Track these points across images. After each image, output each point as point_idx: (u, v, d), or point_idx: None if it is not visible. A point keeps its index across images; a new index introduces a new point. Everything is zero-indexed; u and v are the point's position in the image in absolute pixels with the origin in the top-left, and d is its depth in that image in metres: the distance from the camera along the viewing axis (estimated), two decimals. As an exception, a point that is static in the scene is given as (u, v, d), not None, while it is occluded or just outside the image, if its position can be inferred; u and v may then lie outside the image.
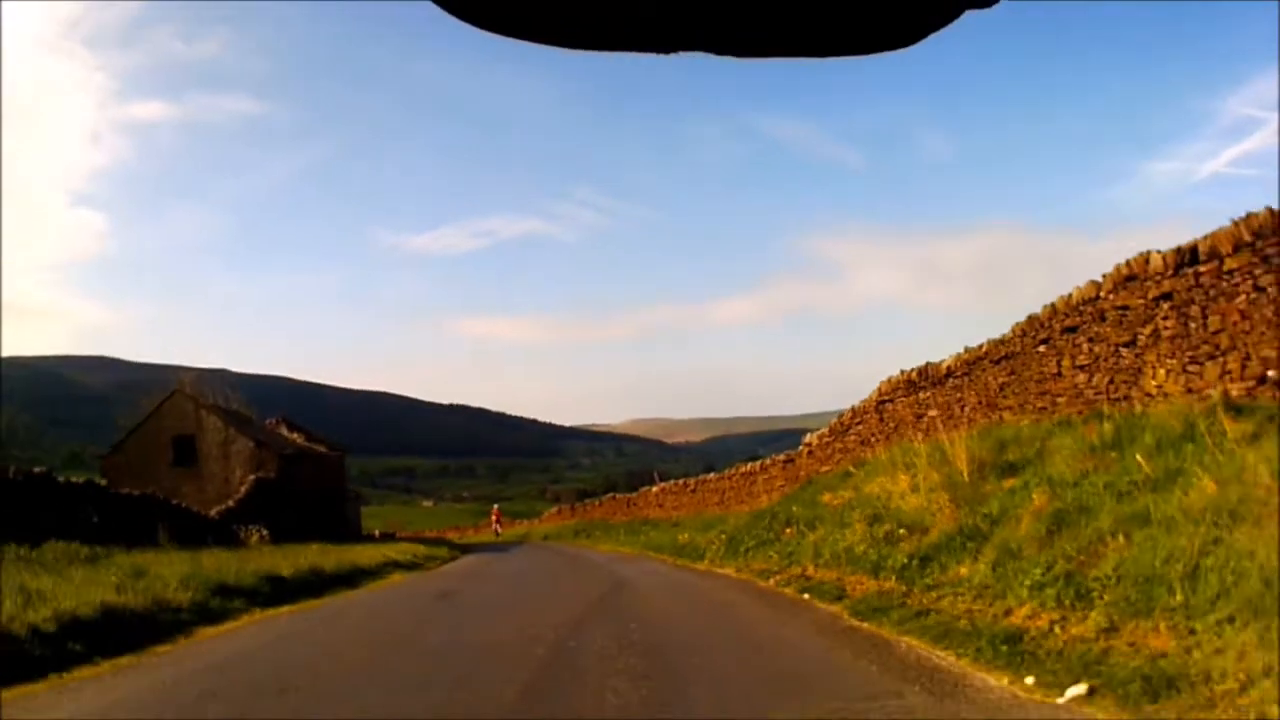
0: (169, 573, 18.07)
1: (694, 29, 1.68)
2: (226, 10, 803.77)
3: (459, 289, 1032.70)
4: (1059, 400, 16.64)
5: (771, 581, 17.42)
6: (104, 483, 29.38)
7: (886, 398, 24.52)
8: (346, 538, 48.55)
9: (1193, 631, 7.16)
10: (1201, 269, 13.16)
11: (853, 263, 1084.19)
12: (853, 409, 27.04)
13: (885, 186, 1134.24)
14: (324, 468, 60.77)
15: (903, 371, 23.81)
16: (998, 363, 19.19)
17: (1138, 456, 10.73)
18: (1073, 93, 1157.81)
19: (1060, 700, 7.05)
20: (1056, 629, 8.52)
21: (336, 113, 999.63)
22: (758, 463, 37.19)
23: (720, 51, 1.72)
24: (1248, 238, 12.39)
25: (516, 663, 10.45)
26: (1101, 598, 8.46)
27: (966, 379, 20.53)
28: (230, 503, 41.49)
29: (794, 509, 22.05)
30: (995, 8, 1.66)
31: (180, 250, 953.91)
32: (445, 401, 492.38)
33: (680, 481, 51.28)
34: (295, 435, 64.79)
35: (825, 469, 26.73)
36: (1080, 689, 7.02)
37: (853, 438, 26.39)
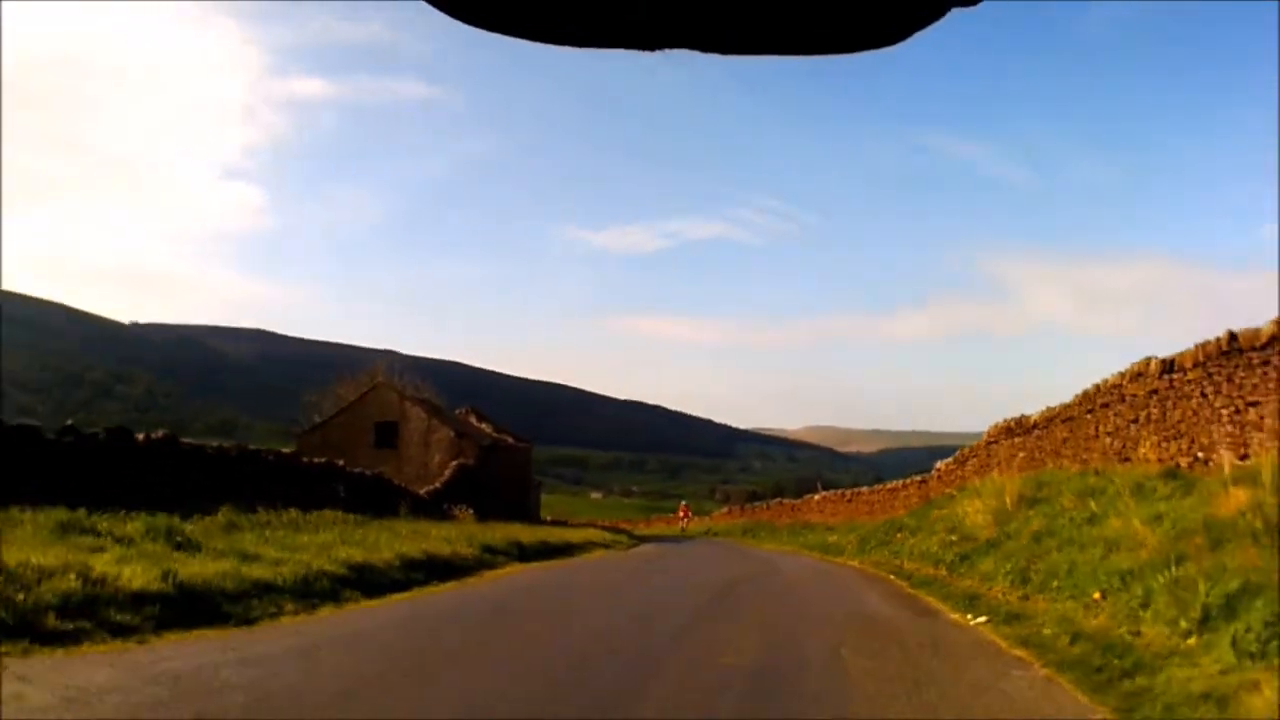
0: (438, 534, 26.29)
1: (680, 27, 1.74)
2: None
3: (641, 287, 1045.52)
4: (1093, 456, 23.27)
5: (875, 568, 24.86)
6: (341, 463, 35.09)
7: (993, 439, 31.29)
8: (531, 521, 55.05)
9: (1057, 600, 14.12)
10: (1174, 376, 19.77)
11: (1021, 283, 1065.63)
12: (972, 446, 33.91)
13: (1050, 209, 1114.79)
14: (513, 457, 68.57)
15: (1005, 420, 30.55)
16: (1065, 422, 25.82)
17: (1090, 501, 17.57)
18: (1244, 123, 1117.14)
19: (974, 621, 14.12)
20: (1000, 596, 15.60)
21: (512, 103, 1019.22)
22: (900, 481, 44.28)
23: (706, 49, 1.79)
24: (1201, 358, 18.97)
25: (699, 594, 18.39)
26: (1030, 581, 15.47)
27: (1045, 430, 27.19)
28: (437, 484, 48.45)
29: (910, 521, 29.45)
30: (980, 6, 1.71)
31: (341, 230, 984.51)
32: (621, 397, 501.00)
33: (839, 492, 58.79)
34: (484, 425, 72.96)
35: (946, 491, 33.41)
36: (984, 618, 14.09)
37: (969, 468, 33.11)
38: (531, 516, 61.99)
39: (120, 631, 11.24)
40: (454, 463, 54.20)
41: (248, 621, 13.12)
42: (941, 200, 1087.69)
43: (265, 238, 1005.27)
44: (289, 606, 14.54)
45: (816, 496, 61.80)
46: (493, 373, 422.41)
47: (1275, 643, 8.21)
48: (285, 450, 33.79)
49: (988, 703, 8.92)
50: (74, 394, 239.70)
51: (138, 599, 12.16)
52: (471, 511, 39.89)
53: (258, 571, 15.58)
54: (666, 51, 1.78)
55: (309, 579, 16.19)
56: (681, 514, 73.03)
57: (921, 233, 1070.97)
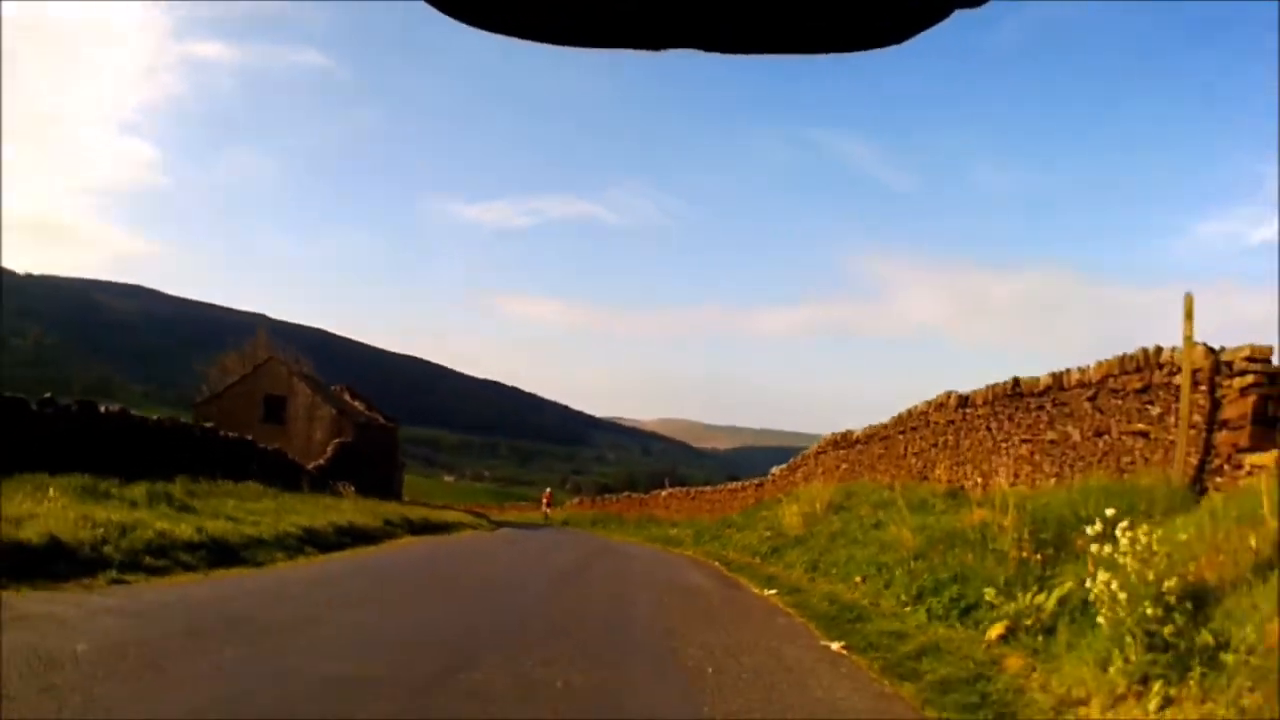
0: (346, 508, 29.99)
1: (682, 26, 1.76)
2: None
3: (504, 264, 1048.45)
4: (900, 473, 27.22)
5: (705, 557, 28.71)
6: (250, 438, 38.33)
7: (822, 450, 35.37)
8: (399, 501, 57.33)
9: (831, 582, 17.90)
10: (968, 410, 23.83)
11: (897, 286, 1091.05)
12: (803, 455, 37.97)
13: (937, 214, 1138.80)
14: (383, 437, 71.77)
15: (833, 434, 34.64)
16: (882, 440, 29.84)
17: (879, 511, 21.42)
18: (1134, 143, 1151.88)
19: (767, 593, 17.89)
20: (792, 578, 19.43)
21: (398, 78, 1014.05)
22: (740, 484, 48.93)
23: (709, 49, 1.81)
24: (990, 397, 23.03)
25: (565, 563, 22.51)
26: (818, 568, 19.30)
27: (865, 446, 31.22)
28: (322, 461, 51.48)
29: (740, 519, 33.48)
30: (985, 7, 1.75)
31: (229, 193, 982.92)
32: (479, 375, 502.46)
33: (684, 490, 63.33)
34: (357, 403, 75.39)
35: (777, 494, 37.35)
36: (774, 591, 17.86)
37: (799, 474, 37.14)
38: (397, 496, 64.62)
39: (189, 568, 16.09)
40: (335, 441, 57.34)
41: (258, 564, 18.32)
42: (824, 199, 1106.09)
43: (156, 195, 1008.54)
44: (279, 555, 19.67)
45: (664, 493, 66.30)
46: (356, 342, 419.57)
47: (955, 611, 12.05)
48: (206, 425, 36.28)
49: (754, 629, 13.37)
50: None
51: (189, 546, 17.03)
52: (353, 488, 42.72)
53: (247, 530, 20.32)
54: (670, 51, 1.81)
55: (281, 537, 20.94)
56: (545, 501, 75.91)
57: (801, 230, 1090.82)
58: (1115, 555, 8.48)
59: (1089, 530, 9.13)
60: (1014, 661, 9.64)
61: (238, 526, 20.13)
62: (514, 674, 9.18)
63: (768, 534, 26.11)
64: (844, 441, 33.42)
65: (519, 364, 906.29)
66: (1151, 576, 8.11)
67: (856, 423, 34.61)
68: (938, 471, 24.53)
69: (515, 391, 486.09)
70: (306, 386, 65.12)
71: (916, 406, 27.30)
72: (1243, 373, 14.48)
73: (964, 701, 8.66)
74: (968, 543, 14.73)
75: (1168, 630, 7.73)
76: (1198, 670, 7.41)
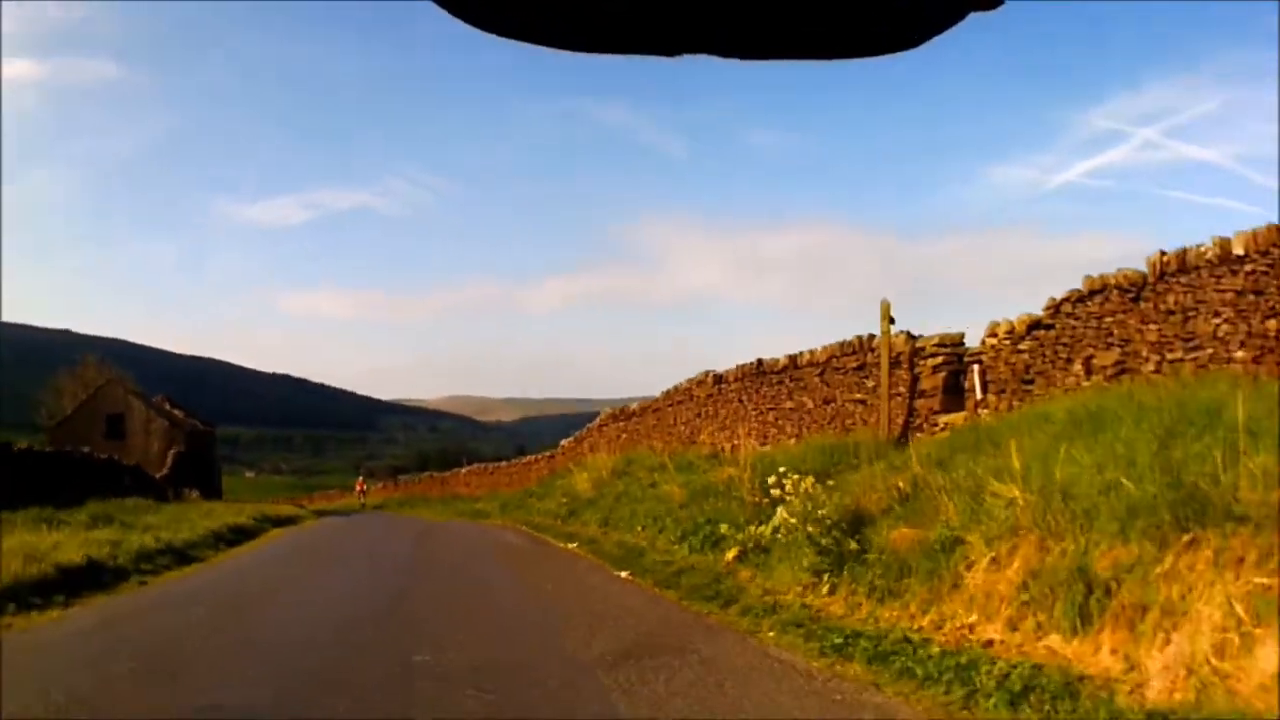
0: (222, 511, 33.45)
1: (697, 32, 1.78)
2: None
3: (287, 259, 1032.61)
4: (672, 440, 31.71)
5: (513, 523, 32.75)
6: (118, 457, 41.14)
7: (604, 423, 39.76)
8: (225, 500, 59.16)
9: (620, 533, 22.19)
10: (723, 386, 28.43)
11: (673, 252, 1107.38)
12: (587, 428, 42.35)
13: (709, 179, 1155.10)
14: (206, 441, 74.80)
15: (613, 408, 39.12)
16: (655, 412, 34.34)
17: (655, 474, 25.78)
18: (920, 96, 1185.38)
19: (570, 546, 22.15)
20: (588, 533, 23.68)
21: (186, 81, 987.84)
22: (534, 457, 53.04)
23: (726, 55, 1.82)
24: (740, 375, 27.63)
25: (406, 538, 26.52)
26: (608, 524, 23.59)
27: (641, 418, 35.69)
28: (166, 469, 54.86)
29: (539, 489, 37.75)
30: (999, 10, 1.76)
31: (32, 210, 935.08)
32: (267, 370, 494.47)
33: (483, 466, 67.13)
34: (178, 411, 78.16)
35: (568, 465, 41.50)
36: (575, 544, 22.15)
37: (585, 445, 41.40)
38: (219, 495, 66.50)
39: (168, 568, 19.89)
40: (173, 451, 60.57)
41: (200, 559, 22.20)
42: (596, 169, 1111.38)
43: None
44: (210, 553, 23.65)
45: (464, 470, 69.91)
46: (155, 349, 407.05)
47: (708, 544, 16.37)
48: (71, 449, 38.28)
49: (565, 567, 18.18)
50: None
51: (159, 552, 20.84)
52: (198, 493, 45.16)
53: (184, 534, 24.31)
54: (687, 57, 1.82)
55: (207, 539, 25.20)
56: (359, 488, 77.82)
57: (575, 202, 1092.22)
58: (787, 496, 12.98)
59: (776, 481, 13.56)
60: (743, 573, 14.01)
61: (166, 535, 23.46)
62: (428, 594, 14.08)
63: (564, 500, 30.21)
64: (622, 415, 37.88)
65: (306, 357, 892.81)
66: (812, 508, 12.55)
67: (639, 388, 39.19)
68: (702, 437, 29.05)
69: (304, 383, 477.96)
70: (141, 403, 70.00)
71: (681, 384, 31.90)
72: (933, 355, 19.46)
73: (706, 595, 13.10)
74: (719, 494, 19.12)
75: (825, 541, 12.16)
76: (850, 566, 11.83)
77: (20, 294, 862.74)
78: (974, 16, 1.79)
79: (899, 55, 1.87)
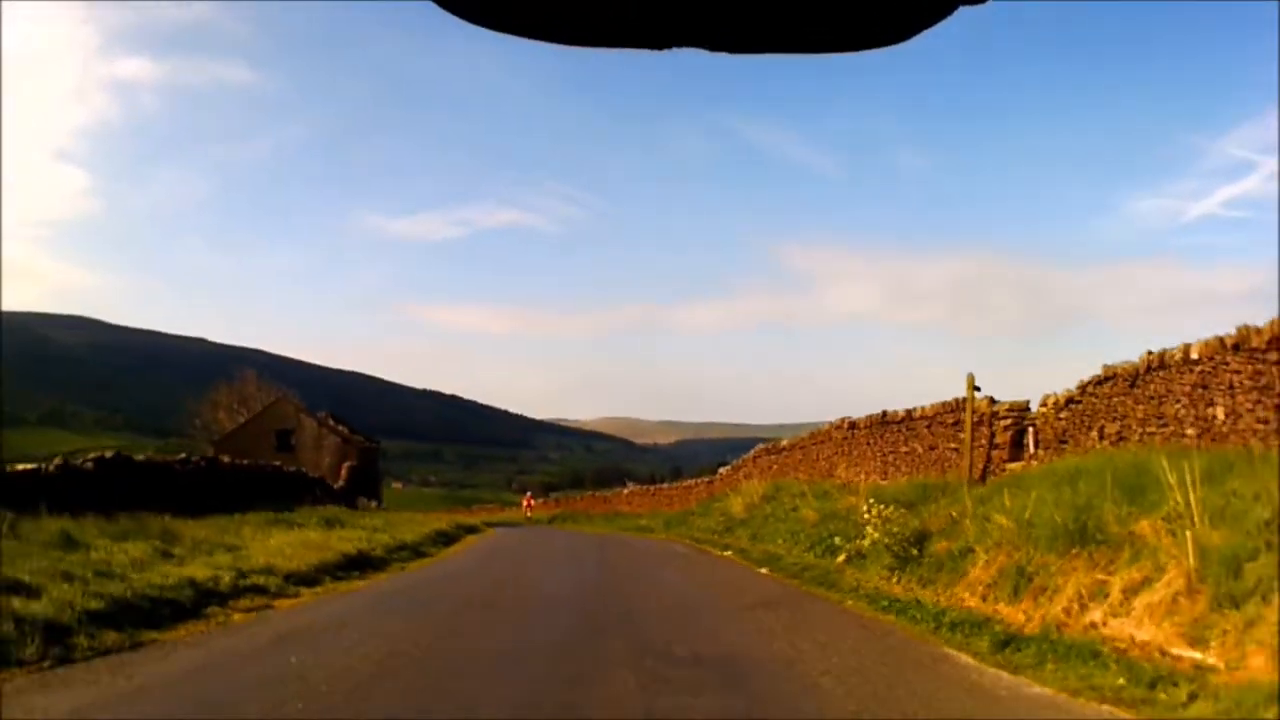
0: (423, 519, 41.19)
1: (687, 26, 1.82)
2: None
3: (436, 275, 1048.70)
4: (815, 473, 38.41)
5: (677, 538, 39.86)
6: (312, 472, 49.13)
7: (757, 455, 46.75)
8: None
9: (767, 545, 29.06)
10: (856, 431, 35.18)
11: (825, 275, 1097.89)
12: (743, 459, 49.41)
13: (861, 200, 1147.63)
14: (373, 455, 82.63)
15: (764, 443, 46.14)
16: (801, 448, 41.13)
17: (797, 500, 32.54)
18: (1057, 122, 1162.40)
19: (725, 553, 29.13)
20: (741, 545, 30.59)
21: (324, 91, 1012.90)
22: (694, 481, 60.43)
23: (714, 48, 1.86)
24: (869, 423, 34.37)
25: (590, 547, 33.55)
26: (757, 538, 30.49)
27: (789, 453, 42.54)
28: (342, 482, 61.40)
29: (698, 509, 44.95)
30: (986, 5, 1.80)
31: (162, 215, 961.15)
32: (417, 386, 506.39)
33: (644, 487, 74.64)
34: (342, 427, 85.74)
35: (725, 489, 48.41)
36: (730, 553, 29.11)
37: (741, 473, 48.30)
38: (381, 505, 74.53)
39: (409, 560, 27.06)
40: (347, 464, 67.73)
41: (430, 555, 30.16)
42: (747, 189, 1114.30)
43: (90, 222, 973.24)
44: (435, 550, 31.51)
45: (626, 490, 77.73)
46: (297, 361, 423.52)
47: (827, 552, 23.16)
48: (267, 464, 45.66)
49: (724, 571, 24.60)
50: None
51: (398, 549, 28.13)
52: (375, 504, 52.71)
53: (408, 536, 31.22)
54: (674, 50, 1.87)
55: (427, 539, 32.22)
56: (526, 503, 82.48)
57: (723, 222, 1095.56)
58: (871, 515, 19.86)
59: (863, 507, 20.43)
60: (848, 571, 20.83)
61: (389, 536, 30.10)
62: (622, 579, 21.03)
63: (721, 519, 37.19)
64: (774, 449, 44.86)
65: (456, 373, 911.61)
66: (890, 528, 19.40)
67: (789, 413, 45.79)
68: (838, 472, 35.73)
69: (455, 399, 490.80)
70: (312, 420, 77.87)
71: (823, 426, 38.72)
72: (1005, 418, 26.04)
73: (817, 582, 20.17)
74: (841, 517, 25.73)
75: (897, 549, 19.01)
76: (910, 566, 18.64)
77: (152, 300, 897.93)
78: (962, 11, 1.82)
79: (890, 49, 1.91)
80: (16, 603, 12.06)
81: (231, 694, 10.05)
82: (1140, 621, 11.80)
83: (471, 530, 44.97)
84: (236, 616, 15.31)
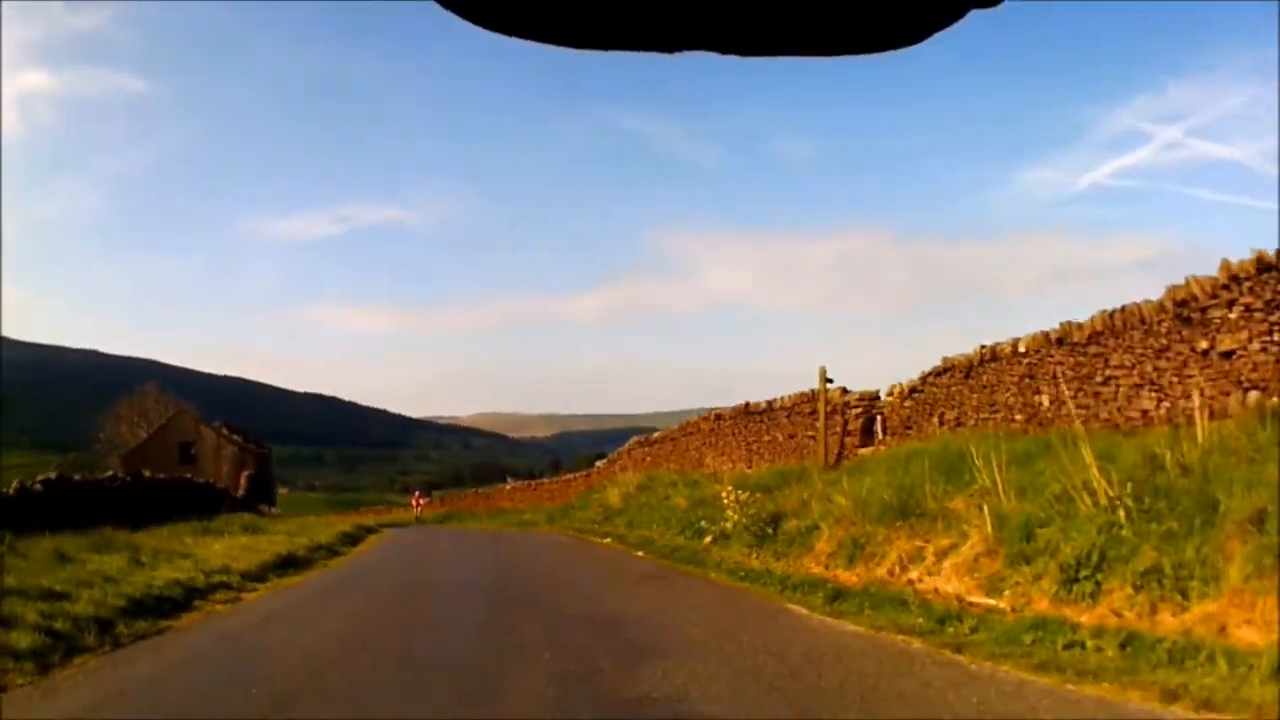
0: (331, 521, 42.83)
1: (699, 28, 1.81)
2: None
3: (314, 275, 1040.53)
4: (685, 462, 40.85)
5: (558, 530, 42.16)
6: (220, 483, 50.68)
7: (631, 449, 49.23)
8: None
9: (643, 531, 31.46)
10: (721, 422, 37.69)
11: (704, 262, 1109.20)
12: (618, 451, 51.86)
13: (741, 187, 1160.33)
14: (266, 462, 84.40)
15: (640, 435, 48.60)
16: (672, 440, 43.59)
17: (669, 489, 34.98)
18: (941, 98, 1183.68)
19: (605, 540, 31.49)
20: (620, 533, 32.91)
21: (207, 96, 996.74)
22: (573, 475, 62.91)
23: (725, 51, 1.87)
24: (732, 415, 36.90)
25: (483, 541, 35.84)
26: (634, 526, 32.84)
27: (661, 445, 44.98)
28: (243, 490, 63.19)
29: (578, 502, 47.27)
30: (1000, 7, 1.82)
31: (54, 228, 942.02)
32: (300, 389, 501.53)
33: (525, 482, 77.20)
34: (236, 436, 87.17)
35: (604, 482, 50.67)
36: (609, 539, 31.47)
37: (617, 465, 50.71)
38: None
39: (328, 558, 28.49)
40: (245, 473, 69.59)
41: (343, 554, 31.13)
42: (624, 181, 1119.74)
43: None
44: (346, 548, 32.57)
45: (508, 486, 79.90)
46: (184, 369, 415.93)
47: (695, 535, 25.57)
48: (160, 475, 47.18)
49: (604, 556, 27.22)
50: None
51: (315, 549, 29.65)
52: (278, 509, 54.32)
53: (321, 539, 32.70)
54: (686, 54, 1.87)
55: (336, 541, 33.81)
56: (415, 502, 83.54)
57: (603, 214, 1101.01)
58: (729, 500, 22.32)
59: (725, 493, 22.87)
60: (713, 550, 23.24)
61: (290, 542, 30.85)
62: (517, 566, 23.19)
63: (600, 510, 39.45)
64: (647, 441, 47.33)
65: (336, 374, 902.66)
66: (750, 511, 21.87)
67: (668, 402, 48.19)
68: (707, 461, 38.20)
69: (335, 401, 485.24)
70: (210, 430, 79.96)
71: (691, 419, 41.35)
72: (856, 406, 28.62)
73: (686, 560, 22.67)
74: (709, 503, 28.07)
75: (755, 529, 21.50)
76: (767, 543, 21.13)
77: (45, 313, 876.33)
78: (974, 14, 1.84)
79: (901, 52, 1.92)
80: (66, 605, 14.89)
81: (250, 657, 12.95)
82: (948, 578, 14.42)
83: (371, 531, 46.41)
84: (219, 607, 17.94)
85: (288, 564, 25.59)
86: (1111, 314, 18.43)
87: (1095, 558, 11.78)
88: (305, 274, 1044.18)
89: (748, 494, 22.97)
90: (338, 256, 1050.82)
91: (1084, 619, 11.07)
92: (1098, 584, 11.49)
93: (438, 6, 1.71)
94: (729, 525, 23.35)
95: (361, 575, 24.85)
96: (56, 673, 12.01)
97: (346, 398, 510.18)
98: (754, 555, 21.01)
